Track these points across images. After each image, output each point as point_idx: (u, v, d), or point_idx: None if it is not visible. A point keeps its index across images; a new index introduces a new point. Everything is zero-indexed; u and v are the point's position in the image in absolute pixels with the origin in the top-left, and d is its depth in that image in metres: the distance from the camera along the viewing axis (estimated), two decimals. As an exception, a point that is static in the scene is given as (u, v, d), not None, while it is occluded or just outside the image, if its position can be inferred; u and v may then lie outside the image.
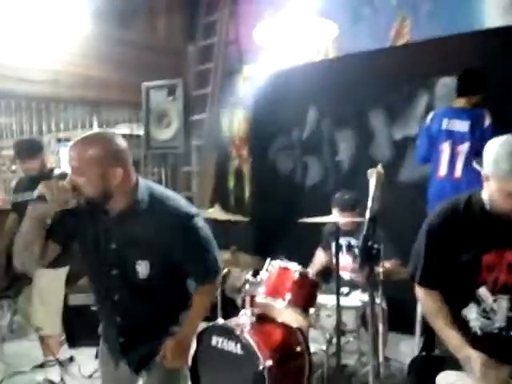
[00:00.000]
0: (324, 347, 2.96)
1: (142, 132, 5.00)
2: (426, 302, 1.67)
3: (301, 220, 2.55)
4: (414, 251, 1.72)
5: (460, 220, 1.58)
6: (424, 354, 1.70)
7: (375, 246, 1.38)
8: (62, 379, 3.17)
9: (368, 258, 1.36)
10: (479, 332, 1.56)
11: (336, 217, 2.79)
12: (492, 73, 3.21)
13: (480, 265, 1.49)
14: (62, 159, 5.48)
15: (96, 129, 5.39)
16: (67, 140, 5.57)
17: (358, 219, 2.79)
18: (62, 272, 3.09)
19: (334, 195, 3.22)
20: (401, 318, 3.11)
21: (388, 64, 3.94)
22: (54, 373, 3.14)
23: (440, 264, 1.61)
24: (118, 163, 1.61)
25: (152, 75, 4.89)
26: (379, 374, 2.69)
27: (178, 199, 1.75)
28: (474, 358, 1.46)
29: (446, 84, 3.56)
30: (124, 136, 5.96)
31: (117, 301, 1.74)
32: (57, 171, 3.14)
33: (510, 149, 1.46)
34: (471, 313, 1.56)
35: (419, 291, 1.68)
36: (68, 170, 1.66)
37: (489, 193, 1.52)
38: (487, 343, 1.49)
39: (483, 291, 1.53)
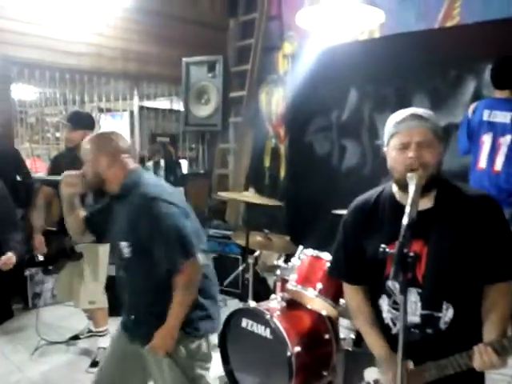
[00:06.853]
0: (353, 335, 2.98)
1: (180, 107, 5.03)
2: (349, 299, 1.68)
3: (334, 211, 2.52)
4: (334, 248, 1.69)
5: (369, 213, 1.56)
6: (354, 348, 1.79)
7: (411, 253, 1.34)
8: None
9: (403, 266, 1.33)
10: (391, 324, 1.55)
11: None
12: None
13: (385, 257, 1.36)
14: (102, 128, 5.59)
15: (136, 102, 5.48)
16: (108, 110, 5.68)
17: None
18: (108, 246, 3.22)
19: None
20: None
21: (435, 46, 3.75)
22: (105, 341, 3.29)
23: (355, 259, 1.59)
24: (106, 155, 1.83)
25: (192, 50, 4.87)
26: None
27: (158, 187, 1.84)
28: (381, 356, 1.50)
29: (496, 71, 3.37)
30: (164, 111, 5.99)
31: (121, 276, 1.92)
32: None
33: (397, 114, 1.53)
34: (384, 304, 1.56)
35: (345, 287, 1.69)
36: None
37: (390, 165, 1.51)
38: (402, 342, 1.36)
39: (392, 283, 1.51)
